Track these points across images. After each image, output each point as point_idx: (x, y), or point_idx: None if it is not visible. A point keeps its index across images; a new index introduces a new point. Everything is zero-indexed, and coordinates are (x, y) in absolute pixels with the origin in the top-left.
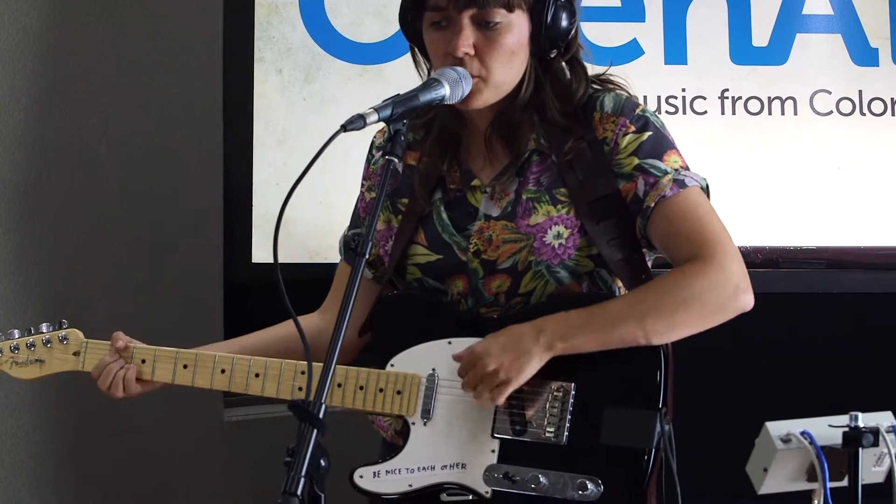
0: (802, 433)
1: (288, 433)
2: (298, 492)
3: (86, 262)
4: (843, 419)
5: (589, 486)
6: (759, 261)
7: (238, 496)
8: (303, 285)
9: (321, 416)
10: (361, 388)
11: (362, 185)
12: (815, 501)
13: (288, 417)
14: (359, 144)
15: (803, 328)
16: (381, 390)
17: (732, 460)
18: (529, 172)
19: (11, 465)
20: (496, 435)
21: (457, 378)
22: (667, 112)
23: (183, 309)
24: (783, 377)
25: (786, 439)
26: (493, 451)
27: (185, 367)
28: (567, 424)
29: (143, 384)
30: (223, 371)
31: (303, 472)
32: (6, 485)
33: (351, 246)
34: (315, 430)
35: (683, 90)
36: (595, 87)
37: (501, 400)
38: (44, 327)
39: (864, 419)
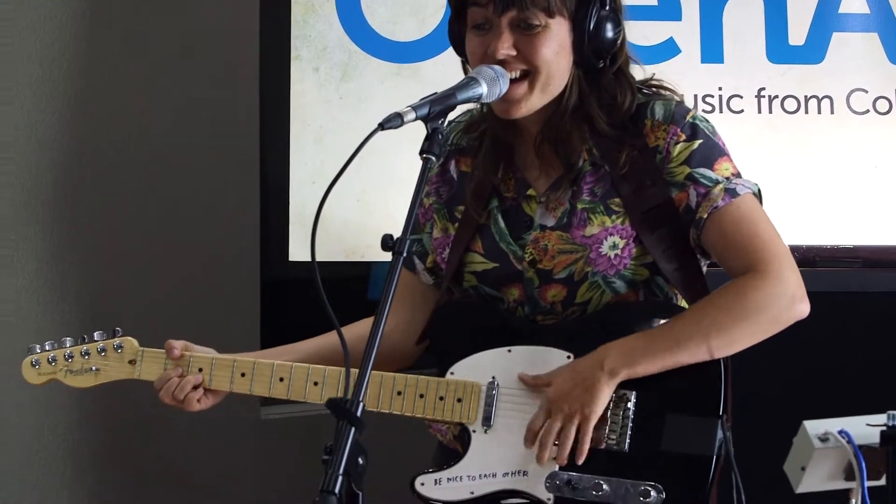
0: (840, 432)
1: (325, 431)
2: (336, 490)
3: (122, 262)
4: (880, 418)
5: (651, 494)
6: (796, 260)
7: (275, 494)
8: (339, 283)
9: (359, 414)
10: (421, 395)
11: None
12: (853, 500)
13: (325, 415)
14: (396, 143)
15: (840, 327)
16: (441, 398)
17: (771, 459)
18: (583, 182)
19: (47, 463)
20: (557, 442)
21: (517, 386)
22: (703, 111)
23: (219, 307)
24: (820, 376)
25: (823, 438)
26: (554, 458)
27: (242, 375)
28: (629, 432)
29: (212, 395)
30: (282, 379)
31: (341, 471)
32: (42, 483)
33: (388, 244)
34: (353, 428)
35: (720, 89)
36: (644, 93)
37: (587, 443)
38: (97, 335)
39: None
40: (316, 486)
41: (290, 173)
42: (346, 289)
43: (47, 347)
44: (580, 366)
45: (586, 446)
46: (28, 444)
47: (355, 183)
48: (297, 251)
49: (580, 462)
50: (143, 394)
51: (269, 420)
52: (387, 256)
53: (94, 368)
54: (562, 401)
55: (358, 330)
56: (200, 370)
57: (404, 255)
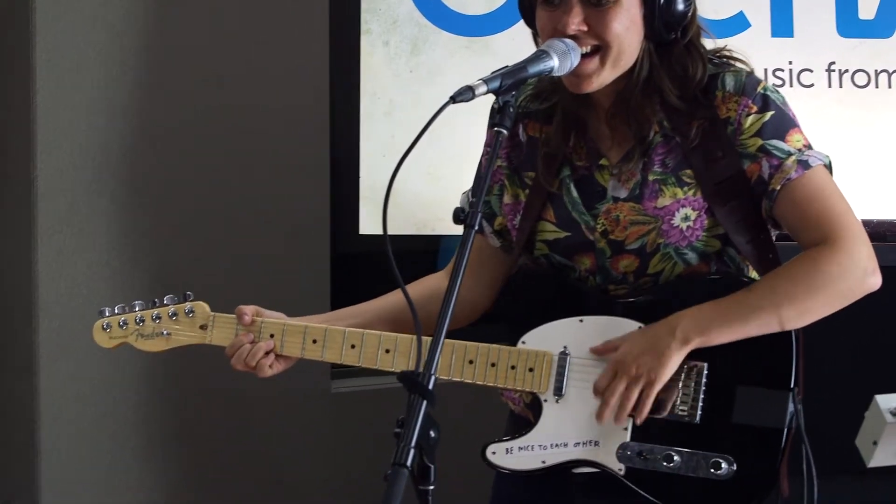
0: None
1: (395, 404)
2: (408, 463)
3: (194, 235)
4: None
5: (722, 465)
6: (867, 234)
7: (346, 467)
8: (409, 257)
9: (430, 387)
10: (493, 364)
11: (485, 152)
12: None
13: (394, 389)
14: (466, 116)
15: None
16: (512, 367)
17: (841, 433)
18: (654, 154)
19: (119, 436)
20: (629, 413)
21: (589, 356)
22: (773, 85)
23: (290, 281)
24: (892, 350)
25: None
26: (625, 428)
27: (314, 341)
28: (700, 403)
29: (283, 360)
30: (353, 346)
31: (412, 444)
32: (114, 456)
33: (460, 217)
34: (425, 401)
35: (790, 63)
36: (714, 63)
37: (648, 406)
38: (167, 299)
39: None
40: (388, 460)
41: (361, 147)
42: (416, 262)
43: (117, 311)
44: (652, 331)
45: (646, 409)
46: (99, 418)
47: (425, 156)
48: (368, 225)
49: (639, 423)
50: (212, 367)
51: (339, 393)
52: (456, 230)
53: (165, 333)
54: (630, 363)
55: (424, 288)
56: (272, 336)
57: (476, 228)
